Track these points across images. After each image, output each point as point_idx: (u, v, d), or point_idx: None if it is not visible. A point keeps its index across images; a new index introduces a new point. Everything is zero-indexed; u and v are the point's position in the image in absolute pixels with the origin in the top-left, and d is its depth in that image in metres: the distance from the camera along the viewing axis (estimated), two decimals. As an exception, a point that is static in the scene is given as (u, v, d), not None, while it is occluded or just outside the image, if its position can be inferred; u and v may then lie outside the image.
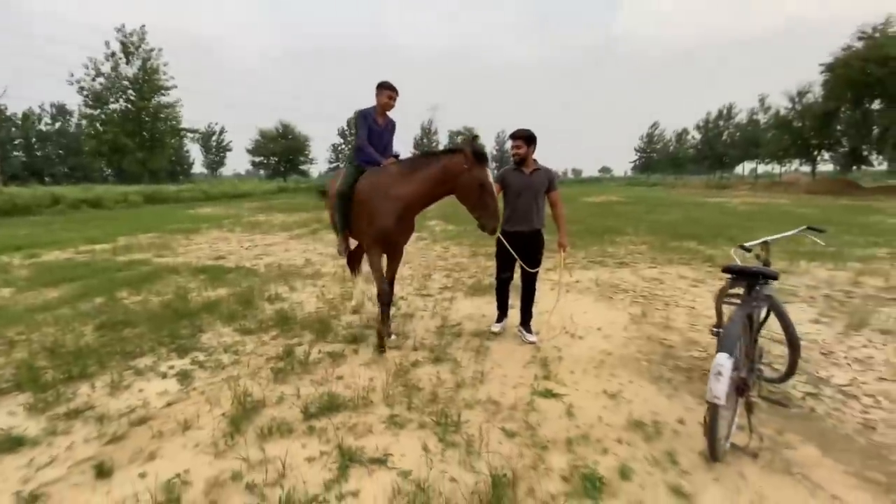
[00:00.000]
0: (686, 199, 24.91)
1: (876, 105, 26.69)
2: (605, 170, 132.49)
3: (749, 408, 2.25)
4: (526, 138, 3.62)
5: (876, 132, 25.88)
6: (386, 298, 3.60)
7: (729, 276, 2.53)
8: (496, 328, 4.03)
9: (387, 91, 3.72)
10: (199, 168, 64.32)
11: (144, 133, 27.34)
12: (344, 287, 5.59)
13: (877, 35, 25.60)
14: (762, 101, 39.26)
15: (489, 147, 68.62)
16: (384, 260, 3.75)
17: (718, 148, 43.18)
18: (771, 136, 35.66)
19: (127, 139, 26.31)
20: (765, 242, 2.82)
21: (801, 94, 32.38)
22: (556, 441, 2.37)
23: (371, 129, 3.73)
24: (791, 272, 6.28)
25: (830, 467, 2.19)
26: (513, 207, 3.70)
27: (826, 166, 34.19)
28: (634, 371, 3.24)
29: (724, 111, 43.20)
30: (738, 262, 2.75)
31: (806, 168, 36.11)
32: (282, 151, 48.53)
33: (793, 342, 2.67)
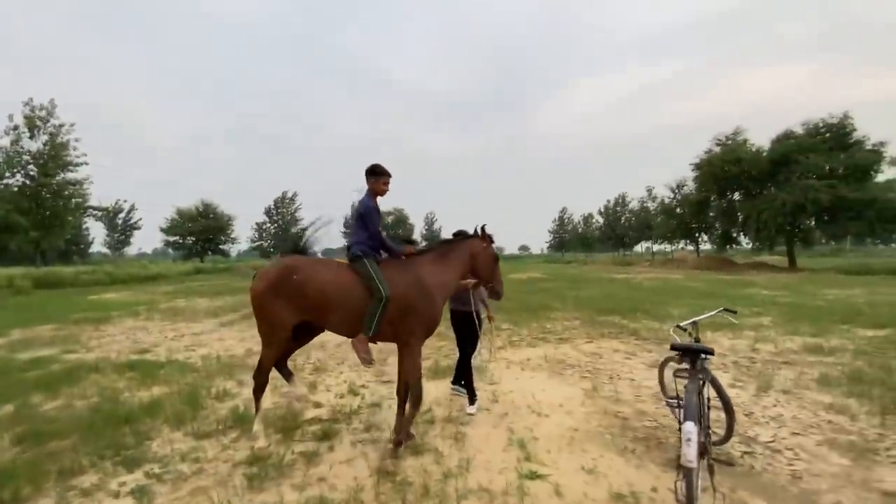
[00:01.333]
0: (598, 274, 27.47)
1: (737, 196, 32.64)
2: (523, 248, 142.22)
3: (711, 469, 2.60)
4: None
5: (740, 218, 31.37)
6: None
7: (676, 353, 3.02)
8: (471, 410, 4.23)
9: (384, 177, 3.60)
10: (97, 247, 58.21)
11: (42, 211, 24.65)
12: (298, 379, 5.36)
13: (729, 142, 32.18)
14: (650, 191, 46.49)
15: (419, 228, 71.21)
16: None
17: (619, 230, 49.41)
18: (660, 220, 41.60)
19: (20, 217, 23.47)
20: (694, 323, 3.41)
21: (679, 186, 38.80)
22: (553, 522, 2.50)
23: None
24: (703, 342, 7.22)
25: (779, 518, 2.56)
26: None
27: (706, 245, 40.16)
28: (601, 445, 3.52)
29: (620, 199, 50.34)
30: (678, 340, 3.29)
31: (691, 247, 42.18)
32: (201, 231, 45.99)
33: (728, 408, 3.16)
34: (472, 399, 4.30)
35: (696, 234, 38.39)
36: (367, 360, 3.38)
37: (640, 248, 52.29)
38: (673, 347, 2.99)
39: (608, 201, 50.83)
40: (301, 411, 4.26)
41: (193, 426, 3.90)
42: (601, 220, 50.53)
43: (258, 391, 3.57)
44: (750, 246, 34.01)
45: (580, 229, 62.22)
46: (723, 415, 3.27)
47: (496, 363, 5.99)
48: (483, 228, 3.85)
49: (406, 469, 3.11)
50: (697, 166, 33.83)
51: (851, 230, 27.55)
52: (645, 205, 47.72)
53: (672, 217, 38.81)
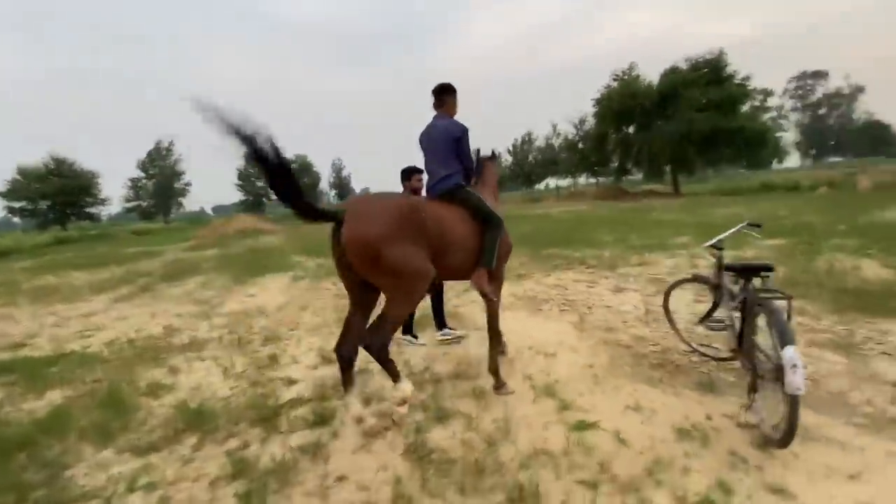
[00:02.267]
0: (517, 211, 28.31)
1: (632, 129, 35.14)
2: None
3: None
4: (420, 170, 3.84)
5: (635, 151, 34.06)
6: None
7: (731, 272, 2.80)
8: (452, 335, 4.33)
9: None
10: None
11: None
12: (251, 354, 4.44)
13: (626, 77, 33.97)
14: (554, 127, 48.22)
15: (326, 176, 66.45)
16: None
17: (527, 167, 51.13)
18: (564, 156, 43.75)
19: None
20: (719, 240, 3.24)
21: (581, 121, 40.70)
22: (639, 477, 2.20)
23: None
24: (644, 263, 7.54)
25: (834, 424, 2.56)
26: None
27: (603, 178, 43.34)
28: (626, 378, 3.32)
29: (526, 137, 51.76)
30: (713, 259, 3.10)
31: (592, 180, 45.46)
32: (56, 192, 37.89)
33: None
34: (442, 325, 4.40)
35: (596, 168, 41.15)
36: (494, 295, 3.24)
37: (544, 184, 55.18)
38: (728, 268, 2.77)
39: (515, 139, 52.07)
40: (274, 394, 3.46)
41: (128, 438, 2.92)
42: (510, 159, 51.79)
43: (387, 361, 2.67)
44: (641, 176, 37.47)
45: None
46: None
47: (469, 308, 5.59)
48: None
49: (439, 443, 2.59)
50: (597, 101, 35.51)
51: (726, 156, 31.50)
52: (550, 141, 49.66)
53: (575, 152, 40.91)
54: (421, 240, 2.65)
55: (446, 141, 3.14)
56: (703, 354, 3.58)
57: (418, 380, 3.48)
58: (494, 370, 3.19)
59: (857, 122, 79.33)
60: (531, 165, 51.63)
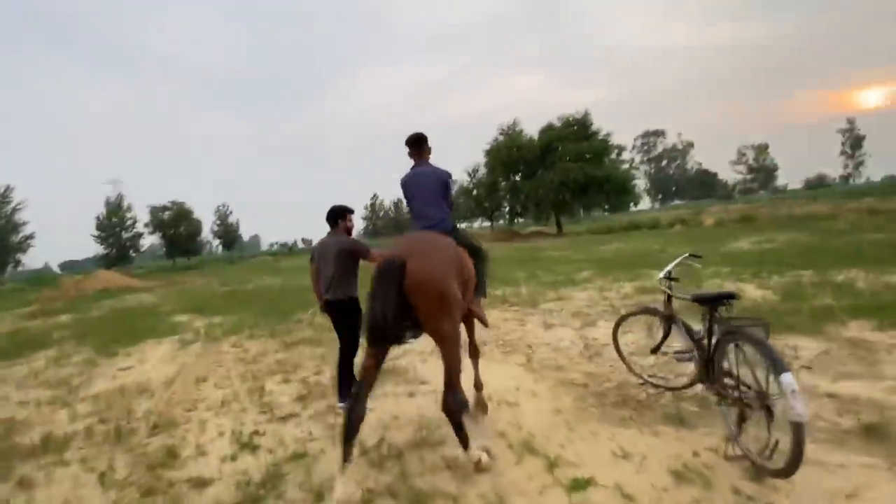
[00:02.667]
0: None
1: (519, 178, 38.42)
2: (308, 242, 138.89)
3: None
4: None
5: (523, 197, 37.18)
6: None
7: (696, 303, 2.85)
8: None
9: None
10: None
11: None
12: (138, 449, 3.39)
13: (510, 132, 37.46)
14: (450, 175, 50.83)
15: (208, 222, 60.17)
16: None
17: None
18: (461, 202, 46.07)
19: None
20: (668, 272, 3.37)
21: (475, 171, 43.50)
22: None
23: None
24: (560, 298, 7.86)
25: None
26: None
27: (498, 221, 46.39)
28: (597, 420, 3.18)
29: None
30: (670, 291, 3.19)
31: (487, 223, 48.20)
32: None
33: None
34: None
35: (491, 212, 43.88)
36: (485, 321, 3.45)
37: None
38: (696, 299, 2.82)
39: (414, 186, 53.56)
40: (181, 504, 2.59)
41: None
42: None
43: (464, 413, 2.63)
44: (529, 218, 40.84)
45: (392, 214, 63.76)
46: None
47: (407, 359, 5.13)
48: None
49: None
50: (487, 152, 38.42)
51: (597, 200, 35.89)
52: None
53: (471, 198, 43.28)
54: (458, 279, 2.71)
55: (436, 185, 3.28)
56: (656, 385, 3.63)
57: (374, 457, 2.93)
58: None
59: (691, 171, 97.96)
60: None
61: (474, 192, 43.19)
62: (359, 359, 3.29)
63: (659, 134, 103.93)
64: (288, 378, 4.89)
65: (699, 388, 3.40)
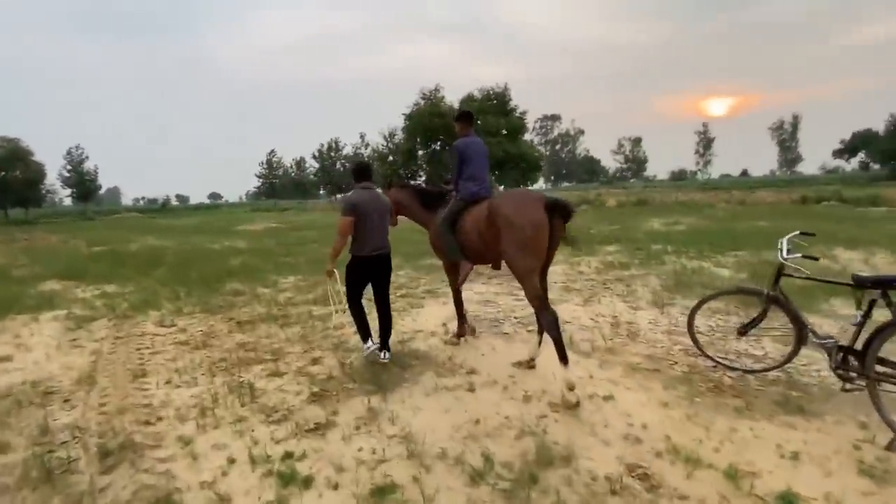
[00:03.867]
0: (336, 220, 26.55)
1: (438, 146, 37.71)
2: (214, 196, 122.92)
3: None
4: None
5: (442, 165, 36.68)
6: None
7: (867, 286, 2.56)
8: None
9: None
10: None
11: None
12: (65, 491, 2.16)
13: (432, 98, 36.22)
14: (363, 137, 47.95)
15: (55, 166, 48.72)
16: None
17: (335, 175, 49.23)
18: (376, 167, 43.92)
19: None
20: (789, 249, 3.11)
21: (391, 135, 41.52)
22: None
23: None
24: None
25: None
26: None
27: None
28: (715, 412, 2.82)
29: (333, 144, 49.75)
30: (797, 272, 2.90)
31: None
32: None
33: None
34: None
35: (409, 180, 42.75)
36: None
37: (354, 193, 54.45)
38: (860, 282, 2.55)
39: (321, 145, 49.27)
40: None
41: None
42: (316, 165, 48.77)
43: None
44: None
45: (293, 174, 57.99)
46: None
47: (428, 343, 4.33)
48: None
49: None
50: (408, 117, 36.85)
51: (511, 177, 36.91)
52: (358, 151, 49.14)
53: (385, 165, 41.47)
54: None
55: (484, 155, 4.01)
56: (733, 368, 3.42)
57: (498, 485, 2.19)
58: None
59: (580, 156, 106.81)
60: (340, 174, 49.95)
61: (390, 157, 41.45)
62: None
63: (555, 118, 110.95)
64: (277, 370, 3.75)
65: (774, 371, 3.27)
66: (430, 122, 34.85)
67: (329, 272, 3.83)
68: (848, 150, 66.07)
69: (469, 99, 36.72)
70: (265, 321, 5.23)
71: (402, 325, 4.82)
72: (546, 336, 3.21)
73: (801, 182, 49.55)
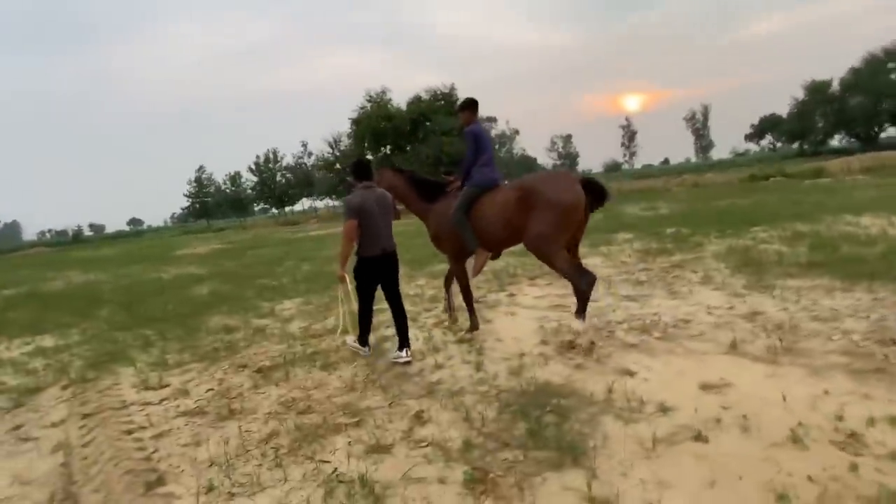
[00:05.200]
0: (288, 236, 24.44)
1: (389, 150, 36.28)
2: (135, 221, 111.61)
3: None
4: None
5: (395, 170, 35.38)
6: None
7: None
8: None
9: None
10: None
11: None
12: None
13: (379, 100, 34.81)
14: (305, 146, 45.10)
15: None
16: None
17: (277, 188, 45.96)
18: (321, 176, 41.53)
19: None
20: None
21: (336, 141, 39.47)
22: None
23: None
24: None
25: None
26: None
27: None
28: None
29: (272, 155, 46.44)
30: None
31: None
32: None
33: None
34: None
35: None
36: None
37: (300, 206, 51.12)
38: None
39: (258, 157, 45.74)
40: None
41: None
42: (254, 178, 45.19)
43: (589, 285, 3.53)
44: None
45: (228, 190, 53.09)
46: None
47: (546, 369, 3.29)
48: None
49: None
50: (355, 121, 35.17)
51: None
52: (300, 161, 46.29)
53: (334, 172, 39.36)
54: None
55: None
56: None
57: None
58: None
59: (517, 155, 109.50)
60: (282, 186, 46.86)
61: (337, 165, 39.35)
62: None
63: (492, 120, 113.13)
64: (374, 440, 2.53)
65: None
66: (379, 125, 33.43)
67: (341, 277, 3.71)
68: (757, 133, 72.92)
69: (417, 100, 35.78)
70: (294, 364, 3.92)
71: (492, 350, 3.74)
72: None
73: (728, 164, 53.58)
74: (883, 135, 48.40)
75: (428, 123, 34.32)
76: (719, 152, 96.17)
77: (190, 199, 55.58)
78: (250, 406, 3.20)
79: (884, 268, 4.65)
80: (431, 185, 4.20)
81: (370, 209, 3.51)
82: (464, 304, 4.19)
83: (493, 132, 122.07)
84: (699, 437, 2.20)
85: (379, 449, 2.44)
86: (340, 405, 3.03)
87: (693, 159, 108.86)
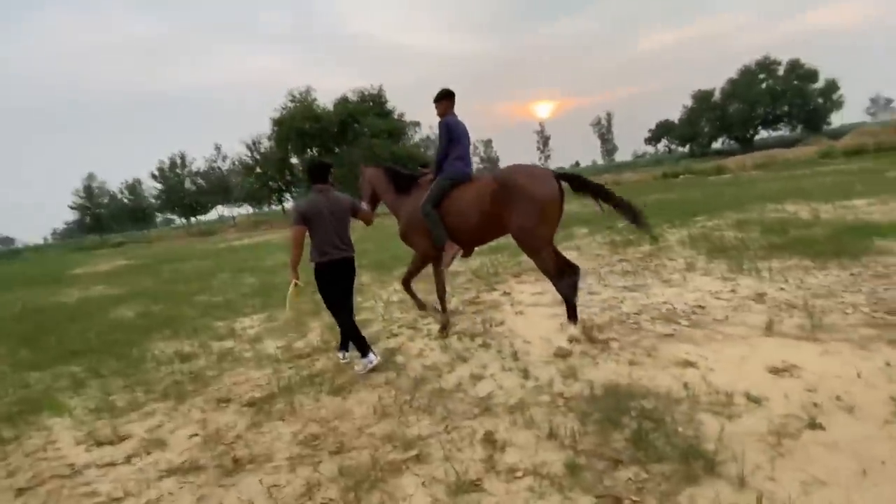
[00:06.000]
0: (208, 247, 22.15)
1: (316, 152, 34.49)
2: (6, 241, 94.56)
3: None
4: None
5: (325, 174, 33.70)
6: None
7: None
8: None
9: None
10: None
11: None
12: None
13: (304, 101, 32.97)
14: (218, 149, 41.16)
15: None
16: None
17: (186, 196, 41.39)
18: (242, 181, 38.29)
19: None
20: None
21: (256, 143, 36.68)
22: None
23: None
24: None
25: None
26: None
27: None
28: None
29: (179, 159, 41.65)
30: None
31: (276, 207, 41.66)
32: None
33: None
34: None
35: (281, 194, 38.24)
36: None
37: (215, 214, 46.53)
38: None
39: (163, 162, 40.74)
40: None
41: None
42: (159, 186, 40.26)
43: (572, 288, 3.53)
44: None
45: (126, 199, 46.25)
46: None
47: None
48: None
49: None
50: (277, 122, 33.02)
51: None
52: (214, 164, 42.19)
53: (255, 176, 36.58)
54: None
55: (468, 138, 3.88)
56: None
57: None
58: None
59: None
60: (192, 193, 42.48)
61: (258, 169, 36.59)
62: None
63: (416, 124, 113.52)
64: (455, 477, 2.09)
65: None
66: (304, 126, 31.69)
67: (293, 282, 3.47)
68: (654, 137, 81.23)
69: (344, 101, 34.55)
70: (292, 391, 3.28)
71: (525, 353, 3.43)
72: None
73: (630, 165, 58.95)
74: (757, 137, 56.30)
75: (356, 125, 33.24)
76: (622, 155, 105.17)
77: (79, 212, 47.87)
78: (261, 451, 2.56)
79: (838, 247, 5.10)
80: (405, 178, 4.11)
81: (320, 214, 3.34)
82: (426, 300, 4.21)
83: (418, 136, 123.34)
84: (814, 426, 2.08)
85: (466, 487, 2.00)
86: (382, 436, 2.52)
87: (600, 161, 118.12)
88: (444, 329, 4.01)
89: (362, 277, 6.91)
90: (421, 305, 4.22)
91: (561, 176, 3.43)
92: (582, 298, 4.49)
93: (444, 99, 3.84)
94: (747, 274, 4.73)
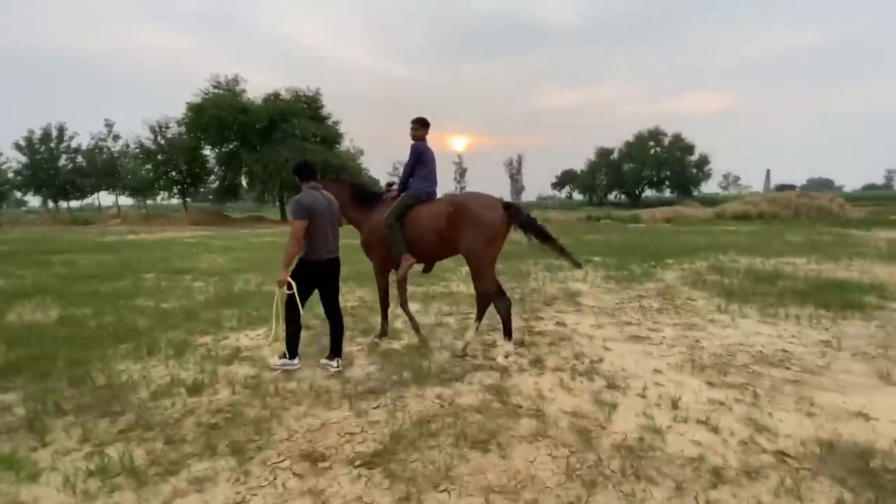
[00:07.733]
0: (94, 239, 18.40)
1: (234, 146, 31.09)
2: None
3: None
4: None
5: (244, 170, 30.37)
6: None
7: None
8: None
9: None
10: None
11: None
12: None
13: (230, 90, 29.80)
14: (110, 127, 34.87)
15: None
16: None
17: (59, 176, 34.08)
18: (137, 166, 32.89)
19: None
20: None
21: (162, 127, 32.04)
22: None
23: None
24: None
25: None
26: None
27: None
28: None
29: (57, 132, 34.12)
30: None
31: (175, 200, 36.33)
32: None
33: None
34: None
35: (186, 186, 33.60)
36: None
37: (94, 200, 38.89)
38: None
39: (31, 132, 33.03)
40: None
41: None
42: (23, 160, 32.57)
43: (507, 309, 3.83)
44: (251, 201, 34.13)
45: None
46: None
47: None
48: None
49: None
50: (193, 108, 29.33)
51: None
52: (102, 142, 35.62)
53: (155, 163, 31.76)
54: None
55: (435, 164, 4.16)
56: None
57: None
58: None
59: (364, 175, 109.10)
60: (67, 173, 35.40)
61: (160, 156, 31.82)
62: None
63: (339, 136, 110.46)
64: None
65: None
66: (227, 117, 28.58)
67: (281, 282, 3.40)
68: (560, 183, 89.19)
69: (276, 97, 32.05)
70: (413, 444, 2.50)
71: (660, 404, 3.05)
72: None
73: (535, 206, 63.69)
74: (644, 194, 64.66)
75: (286, 125, 30.95)
76: (528, 195, 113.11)
77: None
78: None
79: (830, 298, 5.64)
80: (370, 195, 4.31)
81: (321, 211, 3.42)
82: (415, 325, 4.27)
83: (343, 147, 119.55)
84: None
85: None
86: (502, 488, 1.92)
87: (508, 199, 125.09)
88: (380, 337, 4.25)
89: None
90: (417, 328, 4.28)
91: (507, 206, 3.71)
92: (643, 332, 4.30)
93: (422, 126, 4.14)
94: (785, 319, 4.96)
